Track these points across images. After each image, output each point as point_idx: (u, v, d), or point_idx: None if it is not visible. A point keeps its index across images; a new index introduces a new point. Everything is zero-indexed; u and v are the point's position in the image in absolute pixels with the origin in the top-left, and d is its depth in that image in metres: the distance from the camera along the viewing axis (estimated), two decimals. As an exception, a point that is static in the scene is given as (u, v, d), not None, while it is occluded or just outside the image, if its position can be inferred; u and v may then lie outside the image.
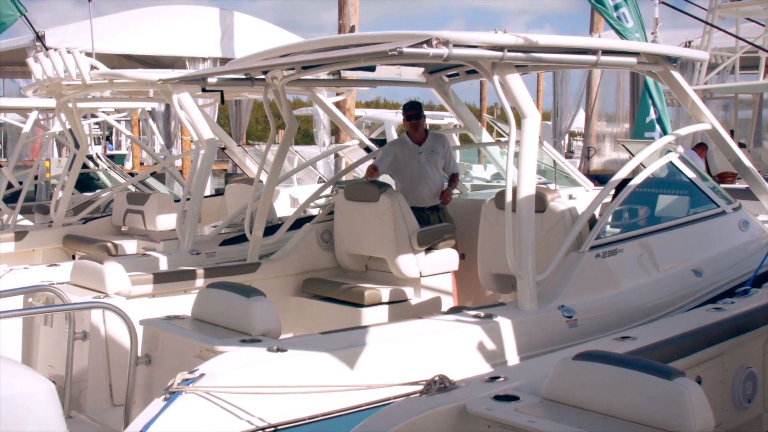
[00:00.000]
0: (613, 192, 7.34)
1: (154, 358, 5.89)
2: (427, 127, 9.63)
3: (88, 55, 10.94)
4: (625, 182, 7.22)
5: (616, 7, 16.48)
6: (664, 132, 15.78)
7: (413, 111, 9.42)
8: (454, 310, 6.56)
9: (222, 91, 8.83)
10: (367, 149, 11.30)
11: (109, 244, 10.61)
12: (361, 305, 7.93)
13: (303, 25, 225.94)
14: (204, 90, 8.62)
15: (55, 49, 10.35)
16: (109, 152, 29.87)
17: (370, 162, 9.59)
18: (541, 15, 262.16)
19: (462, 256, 8.72)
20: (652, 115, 16.87)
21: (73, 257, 10.52)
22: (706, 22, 17.23)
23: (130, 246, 10.96)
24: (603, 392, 3.82)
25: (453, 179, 9.60)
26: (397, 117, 31.61)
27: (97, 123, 17.97)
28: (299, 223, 9.29)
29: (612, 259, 6.72)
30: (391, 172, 9.50)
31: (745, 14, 21.12)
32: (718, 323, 5.36)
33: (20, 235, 11.18)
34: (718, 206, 7.86)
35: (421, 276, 8.35)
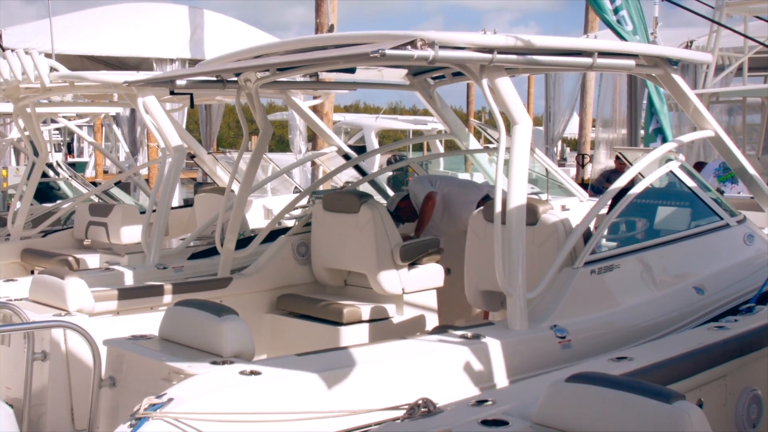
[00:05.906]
0: (609, 203, 7.35)
1: (118, 380, 5.86)
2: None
3: (48, 55, 10.96)
4: (622, 193, 7.23)
5: (616, 11, 16.58)
6: (665, 139, 15.86)
7: None
8: (438, 330, 6.56)
9: (191, 95, 8.80)
10: (346, 156, 11.32)
11: (70, 258, 10.59)
12: (340, 323, 7.92)
13: (266, 23, 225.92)
14: (172, 93, 8.58)
15: (12, 50, 10.34)
16: (70, 160, 29.82)
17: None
18: (526, 13, 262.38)
19: (447, 272, 8.73)
20: (654, 125, 16.96)
21: (32, 272, 10.48)
22: (715, 21, 17.23)
23: (92, 260, 10.93)
24: (598, 416, 3.82)
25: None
26: (377, 122, 31.63)
27: (57, 129, 18.02)
28: (274, 235, 9.27)
29: (608, 276, 6.73)
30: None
31: (754, 12, 21.09)
32: (720, 343, 5.39)
33: (-26, 248, 11.13)
34: (722, 219, 7.85)
35: (403, 292, 8.33)
